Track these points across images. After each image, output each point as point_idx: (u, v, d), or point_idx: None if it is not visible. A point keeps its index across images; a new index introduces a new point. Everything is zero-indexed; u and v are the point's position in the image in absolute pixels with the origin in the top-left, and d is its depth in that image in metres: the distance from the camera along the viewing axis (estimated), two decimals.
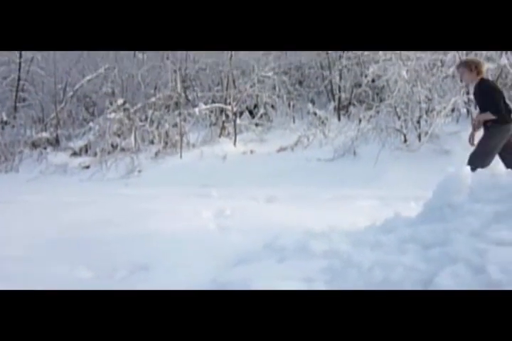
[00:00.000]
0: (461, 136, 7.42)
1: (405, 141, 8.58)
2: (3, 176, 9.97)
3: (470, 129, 4.79)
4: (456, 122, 8.95)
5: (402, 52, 9.27)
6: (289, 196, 5.82)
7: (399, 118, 8.78)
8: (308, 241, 2.85)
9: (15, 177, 9.75)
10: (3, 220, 4.45)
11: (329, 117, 10.66)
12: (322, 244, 2.80)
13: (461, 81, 5.97)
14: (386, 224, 3.02)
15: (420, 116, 8.58)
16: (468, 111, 8.82)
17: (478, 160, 4.90)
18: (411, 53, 9.18)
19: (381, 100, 10.03)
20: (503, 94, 5.13)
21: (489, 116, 4.83)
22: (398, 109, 8.81)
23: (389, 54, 9.48)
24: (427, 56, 9.05)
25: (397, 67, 8.98)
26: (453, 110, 8.81)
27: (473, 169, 4.29)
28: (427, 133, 8.33)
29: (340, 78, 11.38)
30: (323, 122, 10.37)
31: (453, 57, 8.78)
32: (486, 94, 5.07)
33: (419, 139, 8.47)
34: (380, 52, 9.64)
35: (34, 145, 11.22)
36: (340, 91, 11.37)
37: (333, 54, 11.54)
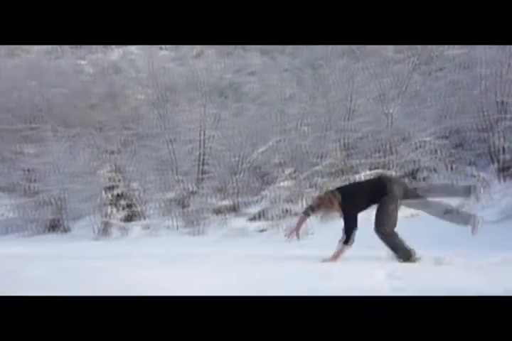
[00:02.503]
0: None
1: None
2: (193, 238, 10.91)
3: None
4: None
5: None
6: (456, 258, 5.60)
7: None
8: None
9: (203, 239, 10.60)
10: (191, 278, 4.73)
11: (492, 178, 10.16)
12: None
13: None
14: None
15: None
16: None
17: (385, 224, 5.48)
18: None
19: None
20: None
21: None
22: None
23: None
24: None
25: None
26: None
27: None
28: None
29: (503, 139, 10.84)
30: (488, 184, 9.88)
31: None
32: None
33: None
34: None
35: (217, 211, 12.20)
36: (502, 153, 10.81)
37: (493, 116, 11.12)
